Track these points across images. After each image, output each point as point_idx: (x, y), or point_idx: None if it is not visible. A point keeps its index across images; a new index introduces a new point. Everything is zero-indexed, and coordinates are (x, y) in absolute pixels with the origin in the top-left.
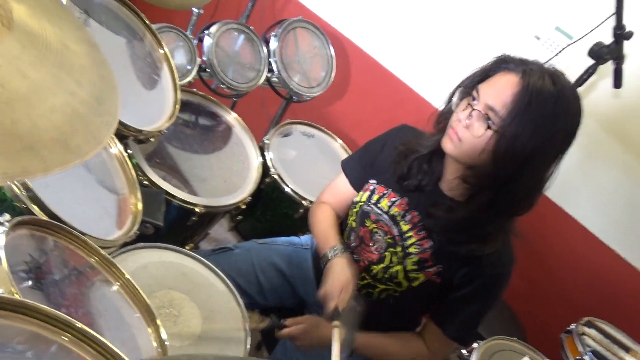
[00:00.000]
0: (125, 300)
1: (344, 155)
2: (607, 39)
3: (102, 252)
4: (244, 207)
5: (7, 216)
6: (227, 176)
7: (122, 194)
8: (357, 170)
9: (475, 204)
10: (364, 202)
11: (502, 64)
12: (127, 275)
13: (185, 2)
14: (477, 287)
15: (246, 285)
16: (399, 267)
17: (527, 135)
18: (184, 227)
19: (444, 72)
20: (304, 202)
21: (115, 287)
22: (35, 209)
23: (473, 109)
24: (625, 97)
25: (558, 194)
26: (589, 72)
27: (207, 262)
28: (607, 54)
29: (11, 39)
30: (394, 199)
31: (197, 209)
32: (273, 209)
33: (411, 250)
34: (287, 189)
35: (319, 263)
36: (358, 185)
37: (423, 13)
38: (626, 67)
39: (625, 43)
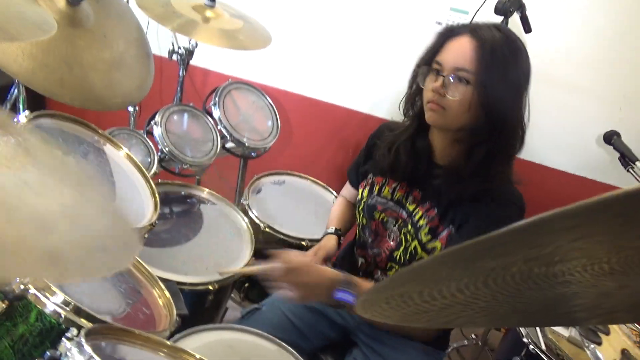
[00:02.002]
0: None
1: (318, 190)
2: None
3: (168, 342)
4: None
5: (74, 331)
6: (226, 246)
7: (117, 313)
8: (356, 177)
9: (475, 161)
10: (366, 197)
11: (448, 33)
12: (198, 356)
13: (126, 100)
14: (485, 211)
15: (286, 337)
16: (415, 243)
17: (503, 77)
18: (203, 310)
19: (368, 80)
20: (303, 242)
21: None
22: (83, 322)
23: (444, 77)
24: (533, 41)
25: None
26: None
27: (247, 328)
28: (511, 6)
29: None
30: (394, 185)
31: (210, 287)
32: None
33: (421, 222)
34: (282, 237)
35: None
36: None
37: (327, 30)
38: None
39: None
